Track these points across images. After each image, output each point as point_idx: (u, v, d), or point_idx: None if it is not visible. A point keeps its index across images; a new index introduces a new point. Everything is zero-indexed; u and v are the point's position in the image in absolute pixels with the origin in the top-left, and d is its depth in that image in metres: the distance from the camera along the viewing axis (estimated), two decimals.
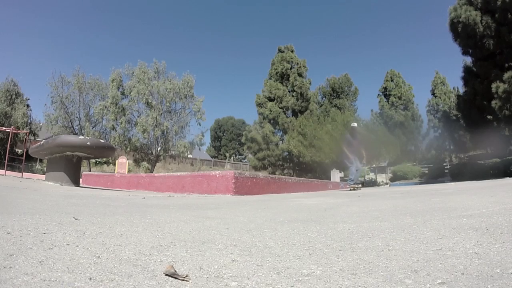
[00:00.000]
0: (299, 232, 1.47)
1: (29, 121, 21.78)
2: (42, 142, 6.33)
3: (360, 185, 7.62)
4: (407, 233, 1.33)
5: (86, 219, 1.63)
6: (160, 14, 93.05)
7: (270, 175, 6.43)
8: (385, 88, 29.07)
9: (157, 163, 19.05)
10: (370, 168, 25.17)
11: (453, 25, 15.22)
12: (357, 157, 7.28)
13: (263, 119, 21.49)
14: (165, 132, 17.29)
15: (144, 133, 16.72)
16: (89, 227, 1.39)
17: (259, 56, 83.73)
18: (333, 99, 29.20)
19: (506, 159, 15.87)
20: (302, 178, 8.85)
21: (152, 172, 17.62)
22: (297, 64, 22.26)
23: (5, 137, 18.49)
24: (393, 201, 2.93)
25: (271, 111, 21.13)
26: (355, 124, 7.59)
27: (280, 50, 22.93)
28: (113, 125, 17.64)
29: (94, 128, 19.68)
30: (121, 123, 17.31)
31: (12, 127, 15.91)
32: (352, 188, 7.01)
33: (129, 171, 17.96)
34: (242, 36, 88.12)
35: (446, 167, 21.44)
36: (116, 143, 16.82)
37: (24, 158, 13.74)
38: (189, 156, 25.43)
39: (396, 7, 75.32)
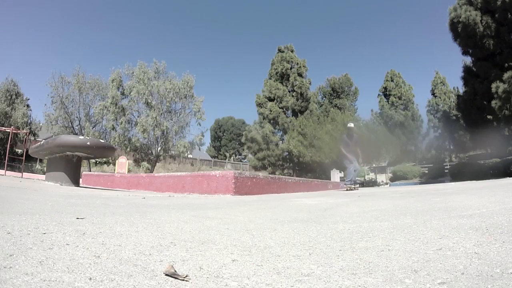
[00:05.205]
0: (299, 232, 1.47)
1: (29, 121, 21.78)
2: (42, 142, 6.33)
3: (358, 185, 7.55)
4: (407, 233, 1.33)
5: (86, 219, 1.63)
6: (160, 14, 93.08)
7: (270, 175, 6.43)
8: (385, 88, 29.07)
9: (157, 163, 19.04)
10: (370, 168, 25.17)
11: (453, 25, 15.22)
12: (355, 157, 7.29)
13: (263, 119, 21.49)
14: (165, 132, 17.28)
15: (144, 133, 16.71)
16: (89, 227, 1.39)
17: (259, 56, 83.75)
18: (333, 99, 29.21)
19: (506, 159, 15.87)
20: (302, 178, 8.85)
21: (152, 172, 17.62)
22: (297, 64, 22.27)
23: (5, 137, 18.49)
24: (393, 201, 2.93)
25: (271, 111, 21.14)
26: (352, 124, 7.54)
27: (280, 50, 22.93)
28: (113, 125, 17.64)
29: (94, 128, 19.67)
30: (121, 123, 17.30)
31: (12, 127, 15.91)
32: (348, 188, 6.96)
33: (129, 171, 17.96)
34: (242, 36, 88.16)
35: (446, 167, 21.44)
36: (116, 143, 16.81)
37: (24, 158, 13.74)
38: (189, 156, 25.44)
39: (396, 7, 75.33)
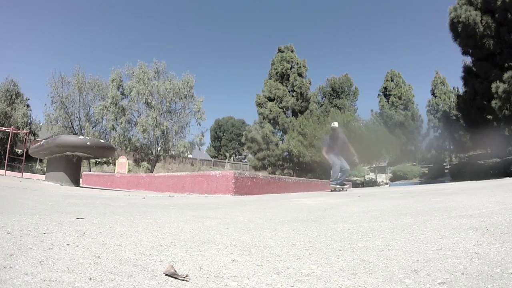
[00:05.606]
0: (299, 232, 1.47)
1: (29, 121, 21.80)
2: (42, 142, 6.33)
3: (347, 185, 7.21)
4: (407, 233, 1.33)
5: (86, 219, 1.63)
6: (160, 14, 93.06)
7: (270, 175, 6.43)
8: (385, 88, 29.08)
9: (157, 163, 19.04)
10: (370, 168, 25.16)
11: (453, 25, 15.23)
12: (343, 157, 7.00)
13: (263, 119, 21.49)
14: (165, 132, 17.28)
15: (144, 133, 16.71)
16: (89, 227, 1.39)
17: (259, 56, 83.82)
18: (333, 99, 29.24)
19: (506, 159, 15.87)
20: (302, 178, 8.85)
21: (152, 172, 17.62)
22: (297, 64, 22.26)
23: (5, 137, 18.50)
24: (393, 201, 2.93)
25: (271, 111, 21.13)
26: (336, 124, 7.14)
27: (280, 50, 22.93)
28: (113, 125, 17.64)
29: (94, 128, 19.69)
30: (121, 123, 17.30)
31: (12, 127, 15.92)
32: (332, 189, 6.72)
33: (129, 171, 17.96)
34: (242, 36, 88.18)
35: (446, 167, 21.45)
36: (116, 143, 16.81)
37: (24, 158, 13.74)
38: (189, 156, 25.44)
39: (396, 7, 75.36)
